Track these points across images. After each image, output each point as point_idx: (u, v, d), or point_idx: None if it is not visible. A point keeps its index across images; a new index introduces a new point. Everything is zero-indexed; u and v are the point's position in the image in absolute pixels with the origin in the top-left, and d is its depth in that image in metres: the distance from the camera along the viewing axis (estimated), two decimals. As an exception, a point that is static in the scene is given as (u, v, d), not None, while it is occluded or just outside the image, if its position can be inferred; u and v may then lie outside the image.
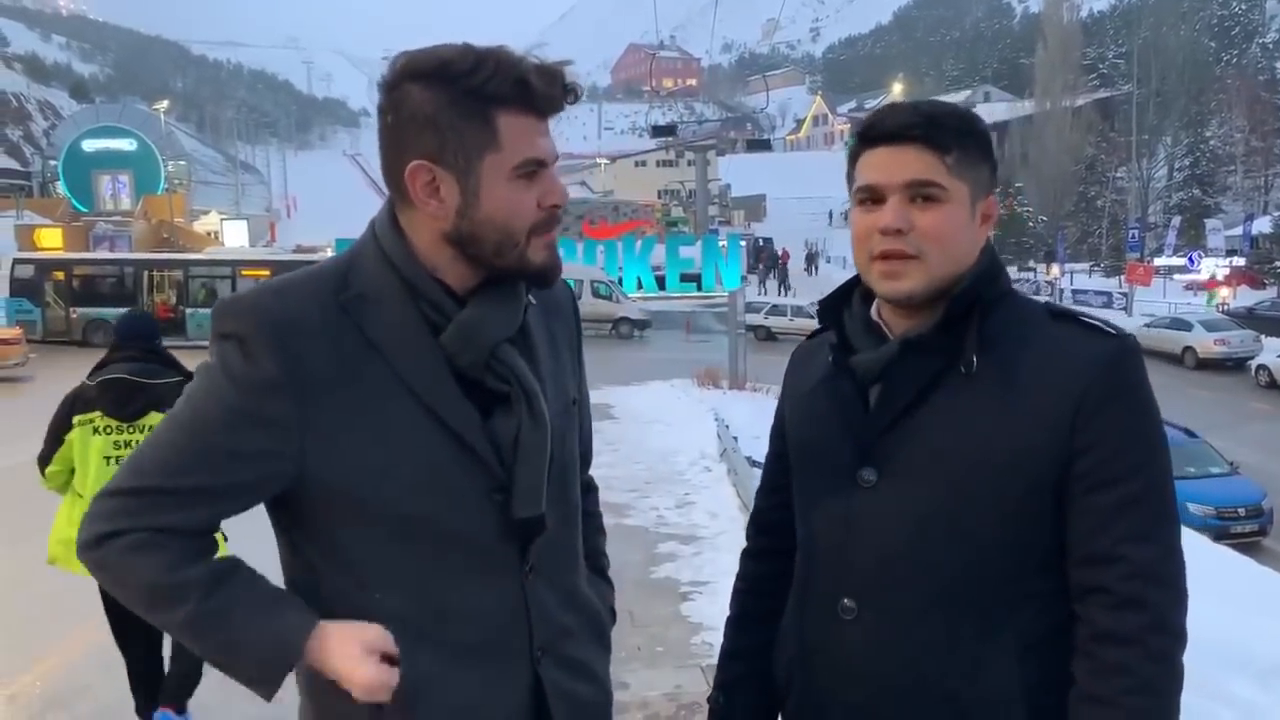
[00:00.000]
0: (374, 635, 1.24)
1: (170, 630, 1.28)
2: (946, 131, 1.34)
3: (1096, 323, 1.36)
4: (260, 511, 1.37)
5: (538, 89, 1.25)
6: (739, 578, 1.67)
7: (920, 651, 1.35)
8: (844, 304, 1.48)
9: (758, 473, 1.95)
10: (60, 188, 54.71)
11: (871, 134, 1.37)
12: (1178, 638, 1.29)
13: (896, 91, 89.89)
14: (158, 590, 1.26)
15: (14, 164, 74.05)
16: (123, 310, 26.40)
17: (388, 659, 1.23)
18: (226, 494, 1.28)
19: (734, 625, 1.63)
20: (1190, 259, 43.33)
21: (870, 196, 1.37)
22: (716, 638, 1.78)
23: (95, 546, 1.28)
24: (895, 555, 1.36)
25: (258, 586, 1.29)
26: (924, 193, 1.33)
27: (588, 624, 1.48)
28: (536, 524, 1.33)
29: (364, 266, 1.31)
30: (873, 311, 1.45)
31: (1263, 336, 27.70)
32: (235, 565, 1.30)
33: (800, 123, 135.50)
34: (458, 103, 1.24)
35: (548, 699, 1.37)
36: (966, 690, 1.33)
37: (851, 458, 1.38)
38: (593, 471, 1.68)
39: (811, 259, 54.71)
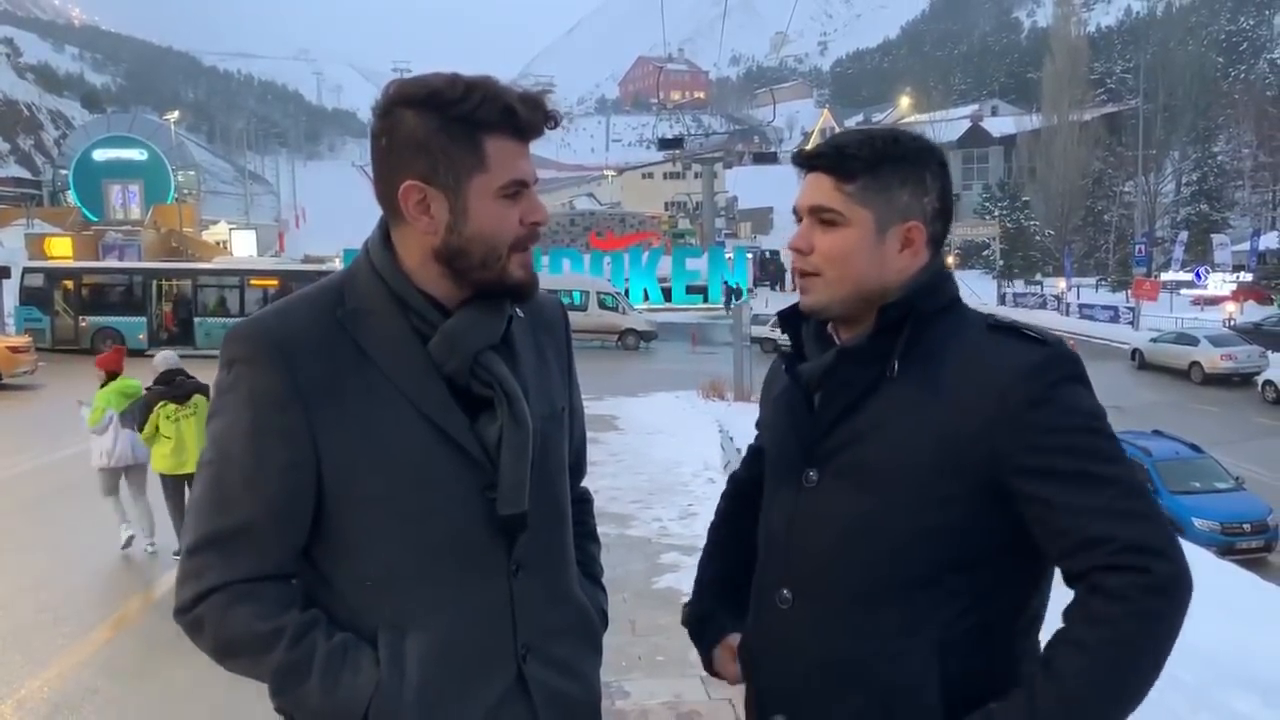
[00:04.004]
0: None
1: (261, 679, 1.34)
2: (853, 161, 1.44)
3: (1032, 334, 1.40)
4: None
5: (522, 115, 1.35)
6: (716, 514, 1.80)
7: (844, 640, 1.42)
8: (802, 315, 1.56)
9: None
10: (71, 197, 55.04)
11: (795, 160, 1.52)
12: (1172, 601, 1.27)
13: (904, 105, 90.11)
14: (250, 639, 1.32)
15: (25, 173, 74.62)
16: (130, 319, 26.60)
17: None
18: (276, 517, 1.33)
19: (705, 554, 1.77)
20: (1197, 274, 43.27)
21: (796, 217, 1.51)
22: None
23: (189, 609, 1.34)
24: (826, 551, 1.44)
25: (334, 643, 1.33)
26: (823, 217, 1.46)
27: (576, 624, 1.51)
28: (519, 521, 1.39)
29: (358, 283, 1.40)
30: (828, 323, 1.54)
31: (1269, 352, 27.62)
32: (317, 619, 1.35)
33: (807, 136, 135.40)
34: (448, 127, 1.32)
35: (532, 696, 1.40)
36: (885, 676, 1.39)
37: (799, 460, 1.48)
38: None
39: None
